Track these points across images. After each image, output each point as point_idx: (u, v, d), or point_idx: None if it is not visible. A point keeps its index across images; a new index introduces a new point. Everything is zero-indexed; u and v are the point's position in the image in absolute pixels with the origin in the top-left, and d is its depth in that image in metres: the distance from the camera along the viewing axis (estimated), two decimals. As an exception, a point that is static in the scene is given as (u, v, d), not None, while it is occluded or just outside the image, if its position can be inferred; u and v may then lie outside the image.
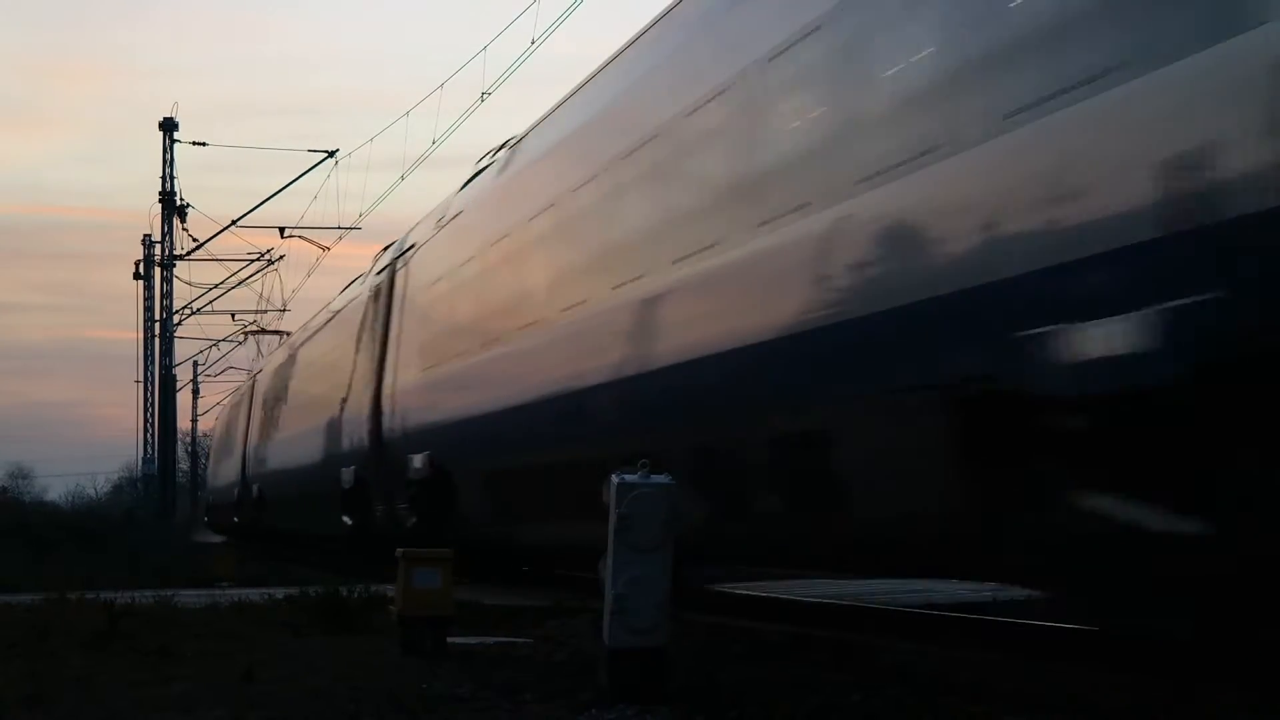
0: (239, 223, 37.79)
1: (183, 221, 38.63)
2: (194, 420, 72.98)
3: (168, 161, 37.96)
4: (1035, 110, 7.37)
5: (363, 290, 24.33)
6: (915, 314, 8.10)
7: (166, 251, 38.86)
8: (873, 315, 8.53)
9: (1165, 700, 7.79)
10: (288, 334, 43.45)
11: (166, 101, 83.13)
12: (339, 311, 27.02)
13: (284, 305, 47.21)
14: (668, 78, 12.13)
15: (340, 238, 38.79)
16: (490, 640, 11.64)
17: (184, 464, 69.72)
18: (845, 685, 9.12)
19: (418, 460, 18.34)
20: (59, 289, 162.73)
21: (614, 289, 12.27)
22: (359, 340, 23.31)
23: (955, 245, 7.94)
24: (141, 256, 41.14)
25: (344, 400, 23.83)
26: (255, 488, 37.00)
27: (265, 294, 57.47)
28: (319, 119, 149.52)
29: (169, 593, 16.28)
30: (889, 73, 8.73)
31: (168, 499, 39.50)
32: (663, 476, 8.65)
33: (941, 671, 9.18)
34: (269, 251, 42.01)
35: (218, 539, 44.83)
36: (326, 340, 27.79)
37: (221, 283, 43.34)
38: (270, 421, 35.20)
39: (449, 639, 11.00)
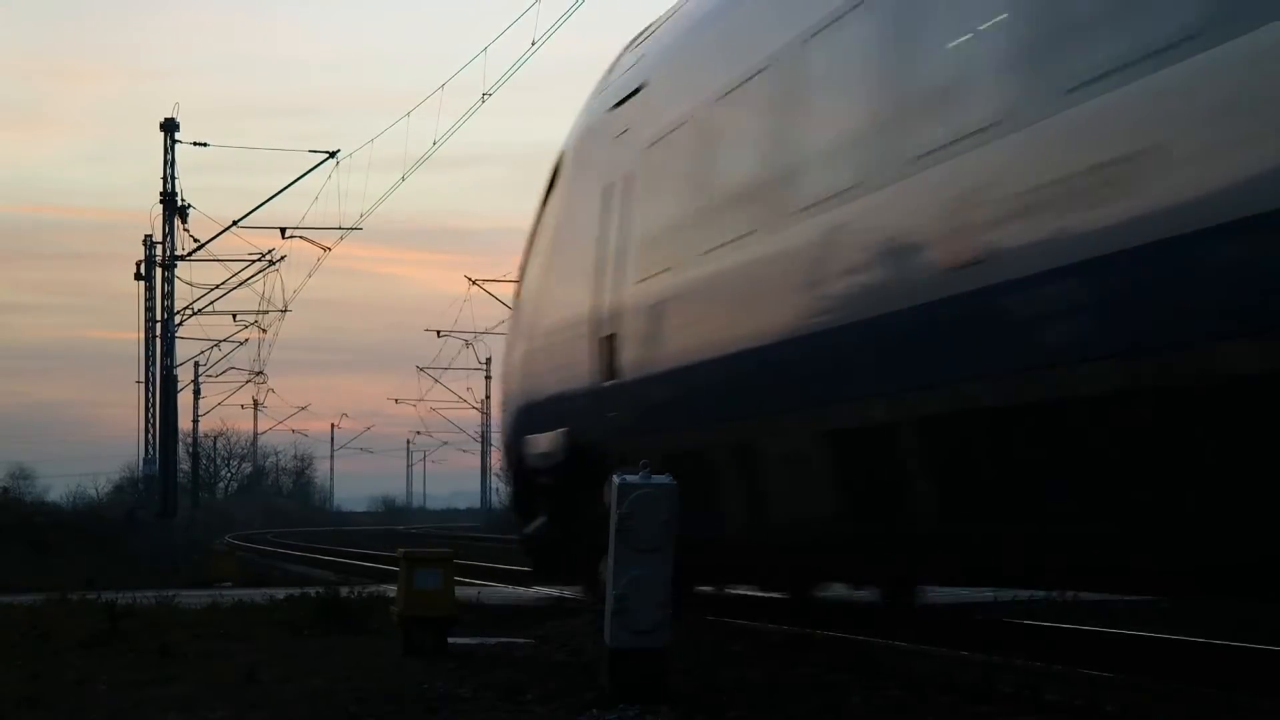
0: (240, 223, 37.87)
1: (184, 222, 38.67)
2: (195, 421, 73.00)
3: (169, 162, 38.01)
4: None
5: None
6: None
7: (168, 252, 38.90)
8: None
9: (1165, 700, 7.80)
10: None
11: (167, 102, 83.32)
12: None
13: (285, 306, 47.04)
14: None
15: (341, 238, 38.91)
16: (491, 641, 11.64)
17: (185, 464, 69.67)
18: (845, 685, 9.13)
19: None
20: (60, 289, 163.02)
21: None
22: None
23: None
24: (143, 257, 41.19)
25: None
26: None
27: (267, 294, 57.32)
28: (320, 119, 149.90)
29: (170, 593, 16.28)
30: None
31: (169, 499, 39.49)
32: (663, 477, 8.64)
33: (941, 671, 9.18)
34: (270, 252, 42.01)
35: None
36: None
37: (223, 283, 43.33)
38: None
39: (450, 639, 11.00)
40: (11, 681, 9.76)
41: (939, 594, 16.08)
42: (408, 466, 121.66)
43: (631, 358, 11.96)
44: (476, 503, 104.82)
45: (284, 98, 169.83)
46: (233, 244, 43.80)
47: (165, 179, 38.08)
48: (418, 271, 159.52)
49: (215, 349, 57.38)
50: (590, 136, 14.17)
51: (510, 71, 29.63)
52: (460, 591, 12.41)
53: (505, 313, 54.69)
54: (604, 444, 12.43)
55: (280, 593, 16.02)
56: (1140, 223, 6.47)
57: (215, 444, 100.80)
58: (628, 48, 14.36)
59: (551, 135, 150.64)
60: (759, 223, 10.08)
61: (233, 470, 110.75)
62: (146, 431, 40.11)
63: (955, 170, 7.85)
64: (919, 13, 8.55)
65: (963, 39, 8.16)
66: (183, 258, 39.33)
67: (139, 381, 40.58)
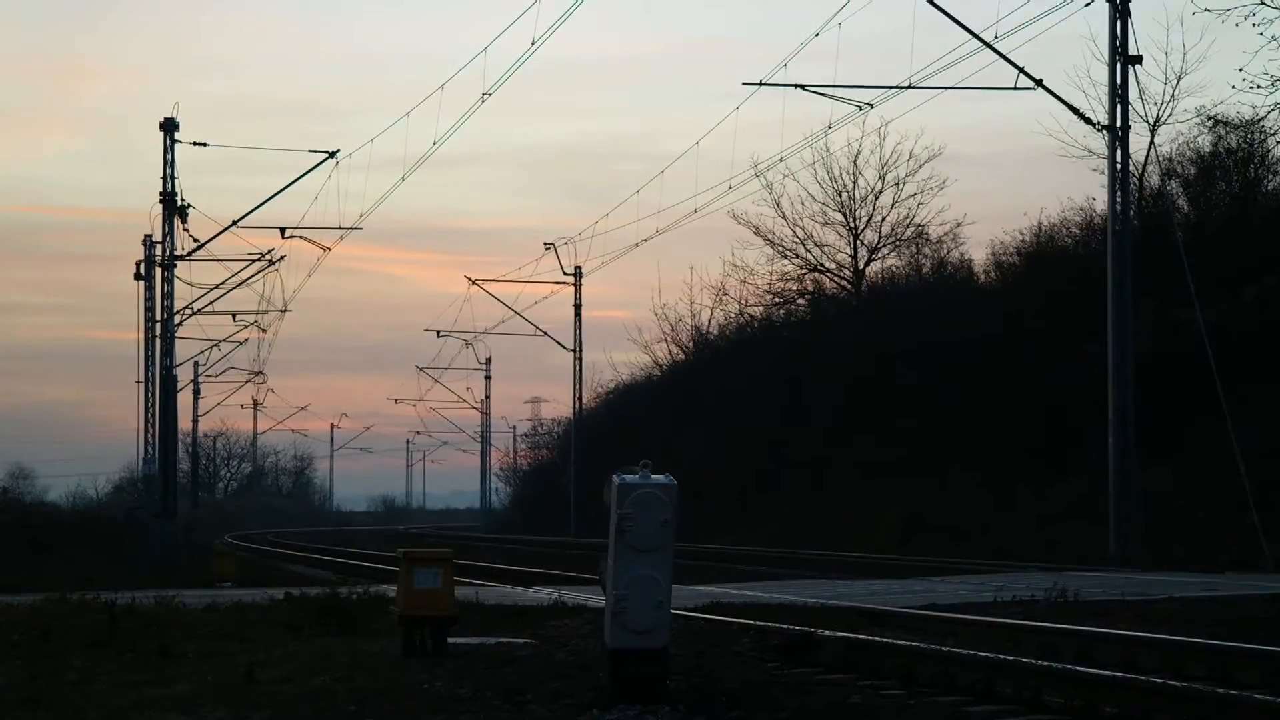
0: (240, 223, 37.78)
1: (183, 222, 38.60)
2: (195, 421, 72.93)
3: (169, 162, 37.97)
4: None
5: None
6: None
7: (167, 252, 38.84)
8: None
9: (1164, 702, 7.80)
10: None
11: (167, 101, 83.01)
12: None
13: (285, 306, 46.96)
14: None
15: (341, 238, 38.87)
16: (491, 641, 11.64)
17: (184, 464, 69.60)
18: (845, 685, 9.14)
19: None
20: (60, 289, 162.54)
21: None
22: None
23: None
24: (143, 257, 41.15)
25: None
26: None
27: (266, 294, 57.20)
28: (319, 119, 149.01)
29: (170, 593, 16.28)
30: None
31: (168, 499, 39.46)
32: (662, 477, 8.64)
33: (941, 671, 9.19)
34: (270, 252, 41.93)
35: None
36: None
37: (222, 283, 43.22)
38: None
39: (450, 639, 11.00)
40: (12, 681, 9.76)
41: (940, 594, 16.08)
42: (407, 466, 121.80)
43: None
44: (476, 503, 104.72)
45: (283, 97, 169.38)
46: (232, 244, 43.75)
47: (165, 179, 38.04)
48: (418, 271, 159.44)
49: (215, 349, 57.20)
50: None
51: (510, 71, 29.61)
52: (460, 591, 12.40)
53: (505, 312, 54.74)
54: None
55: (280, 593, 16.01)
56: None
57: (215, 444, 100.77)
58: None
59: (552, 135, 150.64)
60: None
61: (232, 470, 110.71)
62: (146, 431, 40.07)
63: None
64: None
65: None
66: (182, 258, 39.26)
67: (139, 381, 40.56)
